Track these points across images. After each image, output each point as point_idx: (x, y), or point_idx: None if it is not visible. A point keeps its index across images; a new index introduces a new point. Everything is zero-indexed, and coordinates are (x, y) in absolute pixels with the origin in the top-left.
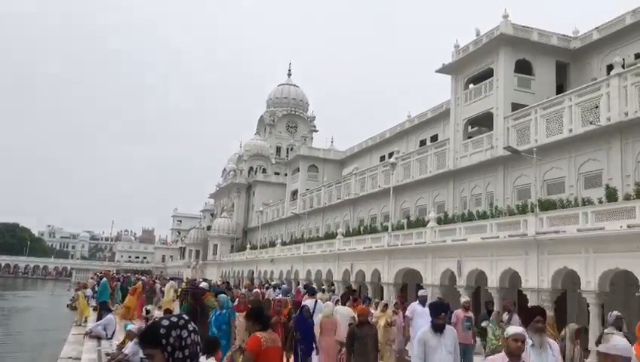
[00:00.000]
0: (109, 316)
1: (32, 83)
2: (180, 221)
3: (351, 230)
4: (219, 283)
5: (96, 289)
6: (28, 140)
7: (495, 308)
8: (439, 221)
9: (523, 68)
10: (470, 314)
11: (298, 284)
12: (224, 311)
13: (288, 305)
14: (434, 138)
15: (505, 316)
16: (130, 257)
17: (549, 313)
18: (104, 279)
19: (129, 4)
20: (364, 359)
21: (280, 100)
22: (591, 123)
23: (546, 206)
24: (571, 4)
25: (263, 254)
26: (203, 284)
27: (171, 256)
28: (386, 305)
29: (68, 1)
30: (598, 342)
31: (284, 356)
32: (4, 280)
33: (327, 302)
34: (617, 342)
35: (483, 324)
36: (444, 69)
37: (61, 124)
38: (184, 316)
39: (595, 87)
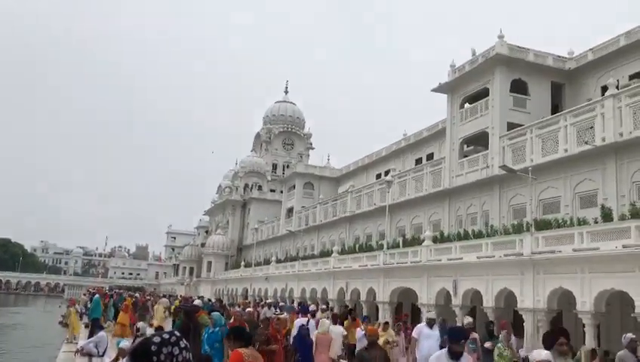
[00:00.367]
0: (101, 333)
1: (29, 94)
2: (174, 238)
3: (346, 248)
4: (213, 300)
5: (89, 305)
6: (21, 153)
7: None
8: (435, 240)
9: (518, 88)
10: (475, 335)
11: (293, 302)
12: (217, 328)
13: (287, 324)
14: (430, 156)
15: (502, 336)
16: (123, 274)
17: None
18: (97, 296)
19: (121, 19)
20: None
21: (277, 117)
22: (586, 143)
23: (542, 225)
24: (565, 24)
25: (258, 272)
26: (197, 302)
27: (165, 273)
28: (387, 323)
29: (64, 9)
30: None
31: None
32: None
33: (323, 319)
34: None
35: (487, 345)
36: (441, 88)
37: (54, 136)
38: (176, 333)
39: (590, 107)
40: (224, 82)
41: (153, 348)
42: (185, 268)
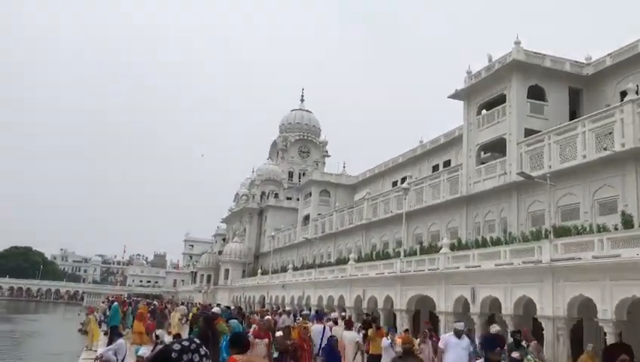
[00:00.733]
0: (120, 341)
1: (44, 105)
2: (192, 245)
3: (363, 256)
4: (232, 307)
5: (108, 313)
6: (40, 164)
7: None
8: (452, 247)
9: (536, 94)
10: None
11: (311, 310)
12: None
13: (309, 332)
14: (447, 163)
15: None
16: (141, 281)
17: (589, 345)
18: (115, 303)
19: (135, 30)
20: None
21: (293, 126)
22: (605, 149)
23: (561, 232)
24: (583, 30)
25: (275, 279)
26: (215, 309)
27: (183, 281)
28: (407, 331)
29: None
30: None
31: None
32: (16, 304)
33: (336, 327)
34: None
35: (514, 355)
36: (457, 95)
37: (72, 147)
38: (195, 340)
39: (608, 113)
40: (240, 90)
41: (174, 355)
42: (202, 275)
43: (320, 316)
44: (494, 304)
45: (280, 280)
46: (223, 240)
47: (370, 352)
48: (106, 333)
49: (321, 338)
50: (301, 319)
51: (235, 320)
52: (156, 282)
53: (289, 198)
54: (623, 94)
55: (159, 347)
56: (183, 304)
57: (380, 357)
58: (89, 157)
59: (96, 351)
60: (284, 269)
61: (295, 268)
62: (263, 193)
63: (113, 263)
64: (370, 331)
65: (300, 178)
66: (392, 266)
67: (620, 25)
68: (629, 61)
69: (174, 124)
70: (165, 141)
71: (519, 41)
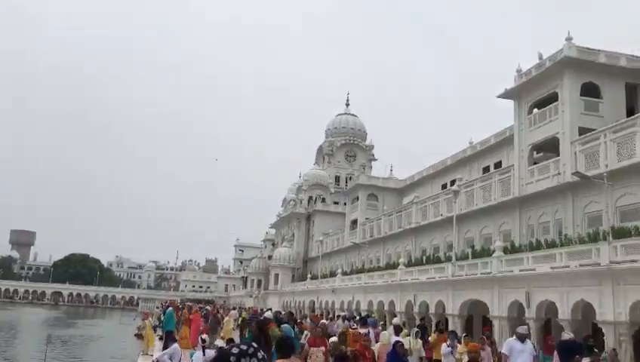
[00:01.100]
0: (175, 345)
1: (95, 111)
2: (242, 251)
3: (413, 260)
4: (282, 312)
5: (162, 318)
6: (99, 177)
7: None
8: (505, 250)
9: (590, 91)
10: None
11: (360, 315)
12: None
13: (371, 340)
14: (497, 165)
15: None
16: (194, 287)
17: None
18: (170, 308)
19: (183, 37)
20: None
21: (338, 130)
22: None
23: (620, 234)
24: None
25: (324, 284)
26: (267, 314)
27: (234, 286)
28: (467, 336)
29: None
30: None
31: None
32: (75, 309)
33: (384, 331)
34: None
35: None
36: (507, 94)
37: (125, 161)
38: (253, 344)
39: None
40: (288, 95)
41: (232, 359)
42: (253, 280)
43: (365, 321)
44: (550, 308)
45: (329, 285)
46: (272, 245)
47: (433, 358)
48: (160, 338)
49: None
50: (354, 325)
51: (287, 325)
52: (208, 287)
53: (336, 203)
54: None
55: (208, 350)
56: (234, 309)
57: None
58: (144, 167)
59: (152, 355)
60: (333, 274)
61: (344, 273)
62: (310, 198)
63: (166, 269)
64: (432, 336)
65: (346, 182)
66: (443, 270)
67: None
68: None
69: (223, 129)
70: (215, 146)
71: (571, 37)
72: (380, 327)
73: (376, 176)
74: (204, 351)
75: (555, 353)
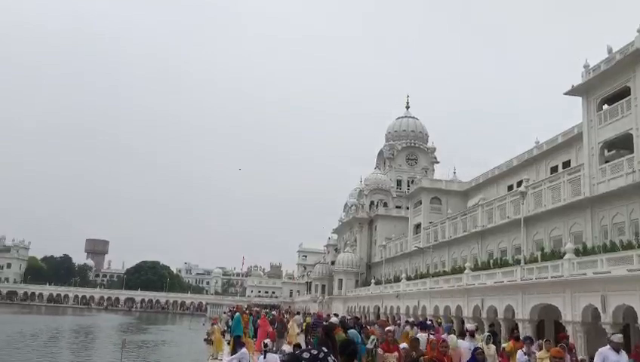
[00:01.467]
0: (243, 350)
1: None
2: (305, 256)
3: (479, 264)
4: (348, 317)
5: (230, 323)
6: (167, 186)
7: None
8: (577, 252)
9: None
10: None
11: (426, 321)
12: None
13: (448, 347)
14: (566, 164)
15: None
16: (260, 292)
17: None
18: (237, 314)
19: (243, 40)
20: None
21: (399, 133)
22: None
23: None
24: None
25: (388, 289)
26: (333, 319)
27: (298, 291)
28: (547, 341)
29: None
30: None
31: None
32: (147, 315)
33: (451, 335)
34: None
35: None
36: (574, 91)
37: (193, 171)
38: (324, 349)
39: None
40: (348, 99)
41: None
42: (317, 285)
43: (424, 325)
44: (629, 313)
45: (394, 290)
46: (335, 250)
47: None
48: (228, 343)
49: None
50: (431, 332)
51: (354, 330)
52: (273, 292)
53: (398, 207)
54: None
55: (269, 354)
56: (298, 313)
57: None
58: (210, 176)
59: (221, 360)
60: (397, 279)
61: (408, 278)
62: (372, 202)
63: (233, 275)
64: (508, 344)
65: (408, 186)
66: (511, 274)
67: None
68: None
69: (284, 136)
70: (278, 153)
71: None
72: (446, 332)
73: (439, 178)
74: (265, 355)
75: None
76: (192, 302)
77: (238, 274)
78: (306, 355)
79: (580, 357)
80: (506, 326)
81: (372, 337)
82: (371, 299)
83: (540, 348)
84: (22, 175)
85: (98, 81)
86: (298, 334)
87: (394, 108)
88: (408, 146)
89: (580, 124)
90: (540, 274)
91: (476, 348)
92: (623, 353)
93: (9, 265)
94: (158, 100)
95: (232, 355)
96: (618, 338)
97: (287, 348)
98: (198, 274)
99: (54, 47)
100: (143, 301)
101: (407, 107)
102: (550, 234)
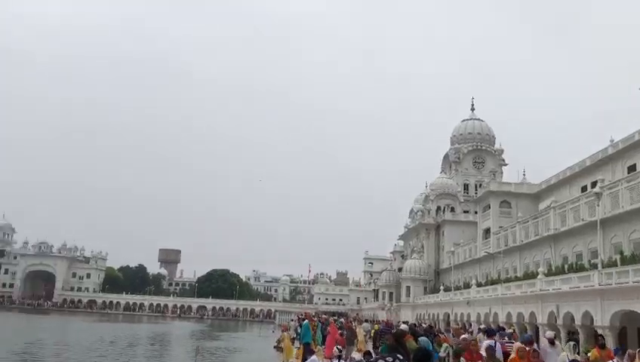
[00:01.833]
0: (313, 357)
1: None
2: (372, 263)
3: (553, 269)
4: (423, 324)
5: (298, 330)
6: (234, 195)
7: None
8: None
9: None
10: None
11: (500, 328)
12: None
13: (539, 356)
14: None
15: None
16: (327, 299)
17: None
18: (306, 321)
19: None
20: None
21: (464, 136)
22: None
23: None
24: None
25: (458, 296)
26: (403, 326)
27: (366, 298)
28: None
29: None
30: None
31: None
32: (219, 322)
33: (517, 343)
34: None
35: None
36: None
37: (261, 182)
38: (399, 356)
39: None
40: (407, 103)
41: None
42: (384, 292)
43: (491, 331)
44: None
45: (464, 297)
46: (402, 256)
47: None
48: (298, 350)
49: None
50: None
51: (425, 338)
52: (340, 300)
53: (466, 212)
54: None
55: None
56: (366, 321)
57: None
58: (276, 184)
59: None
60: (466, 285)
61: (479, 284)
62: (438, 208)
63: (300, 282)
64: (593, 352)
65: (476, 190)
66: (588, 279)
67: None
68: None
69: (350, 142)
70: (339, 161)
71: None
72: (506, 338)
73: (508, 181)
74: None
75: None
76: (261, 310)
77: (304, 282)
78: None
79: None
80: (584, 333)
81: (444, 345)
82: (441, 306)
83: (632, 359)
84: (98, 192)
85: (171, 113)
86: (366, 341)
87: (458, 111)
88: (475, 149)
89: None
90: (620, 279)
91: (573, 361)
92: (558, 345)
93: (88, 275)
94: (223, 119)
95: None
96: (549, 334)
97: (356, 355)
98: (266, 281)
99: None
100: (214, 308)
101: (473, 109)
102: (630, 236)
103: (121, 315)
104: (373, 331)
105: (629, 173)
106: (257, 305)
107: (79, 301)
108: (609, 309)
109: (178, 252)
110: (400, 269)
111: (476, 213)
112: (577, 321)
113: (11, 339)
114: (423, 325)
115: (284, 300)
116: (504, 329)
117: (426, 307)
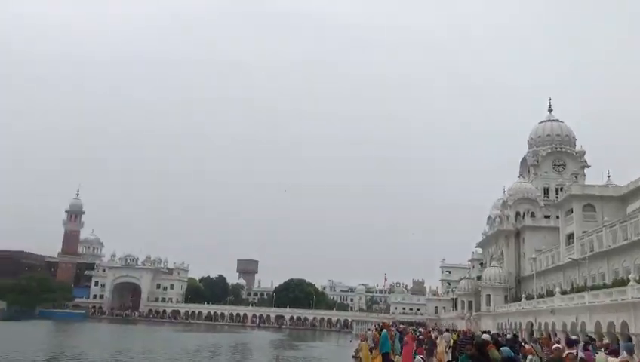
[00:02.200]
0: None
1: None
2: (449, 271)
3: None
4: (507, 334)
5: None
6: (307, 205)
7: None
8: None
9: None
10: None
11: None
12: None
13: None
14: None
15: None
16: (404, 309)
17: None
18: (384, 331)
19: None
20: None
21: (542, 139)
22: None
23: None
24: None
25: (541, 304)
26: (485, 336)
27: (444, 308)
28: None
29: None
30: None
31: None
32: (296, 332)
33: (600, 353)
34: None
35: None
36: None
37: (338, 192)
38: None
39: None
40: (480, 106)
41: None
42: (463, 301)
43: (572, 342)
44: None
45: (547, 306)
46: (481, 264)
47: None
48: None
49: None
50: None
51: (507, 348)
52: (417, 309)
53: (547, 217)
54: None
55: None
56: (447, 331)
57: None
58: (350, 193)
59: None
60: (550, 293)
61: (563, 292)
62: (517, 213)
63: (376, 292)
64: None
65: (556, 194)
66: None
67: None
68: None
69: (420, 150)
70: (412, 169)
71: None
72: (624, 352)
73: (592, 184)
74: None
75: None
76: (337, 319)
77: (380, 291)
78: None
79: None
80: None
81: (529, 357)
82: (523, 315)
83: None
84: (176, 207)
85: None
86: (446, 352)
87: (535, 113)
88: (554, 151)
89: None
90: None
91: None
92: None
93: (172, 286)
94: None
95: None
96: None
97: None
98: (342, 291)
99: None
100: (292, 318)
101: (550, 110)
102: None
103: (203, 325)
104: (452, 341)
105: None
106: (334, 315)
107: (164, 311)
108: None
109: (255, 262)
110: (479, 277)
111: (558, 217)
112: None
113: (108, 345)
114: (508, 335)
115: (361, 310)
116: (594, 341)
117: (507, 316)
